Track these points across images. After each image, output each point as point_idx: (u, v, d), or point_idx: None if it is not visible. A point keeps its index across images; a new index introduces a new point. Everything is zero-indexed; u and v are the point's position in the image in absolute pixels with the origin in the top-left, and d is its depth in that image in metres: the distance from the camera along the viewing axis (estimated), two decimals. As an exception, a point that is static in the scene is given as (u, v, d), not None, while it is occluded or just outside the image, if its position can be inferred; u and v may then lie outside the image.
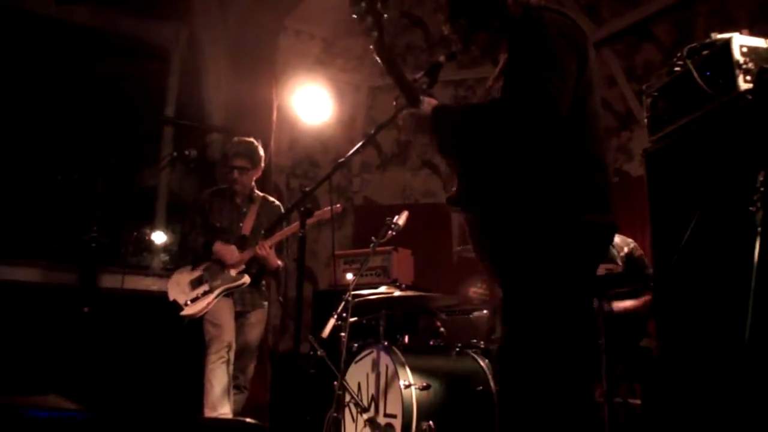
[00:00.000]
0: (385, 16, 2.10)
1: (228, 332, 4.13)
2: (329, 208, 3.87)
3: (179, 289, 4.23)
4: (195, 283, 4.22)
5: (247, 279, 4.21)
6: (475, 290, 4.42)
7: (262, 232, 4.26)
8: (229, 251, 4.21)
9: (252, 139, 4.45)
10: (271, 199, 4.59)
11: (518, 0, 2.28)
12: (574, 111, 2.09)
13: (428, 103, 2.22)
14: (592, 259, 2.24)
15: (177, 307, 4.16)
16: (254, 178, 4.45)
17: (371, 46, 2.11)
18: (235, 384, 4.22)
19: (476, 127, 2.10)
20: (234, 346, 4.14)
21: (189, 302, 4.15)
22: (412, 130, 2.27)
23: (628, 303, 3.99)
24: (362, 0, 2.07)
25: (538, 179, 2.11)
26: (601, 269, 3.50)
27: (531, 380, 2.06)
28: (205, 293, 4.17)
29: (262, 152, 4.43)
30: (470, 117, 2.13)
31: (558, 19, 2.17)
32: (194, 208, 4.48)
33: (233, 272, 4.21)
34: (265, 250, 4.18)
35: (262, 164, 4.45)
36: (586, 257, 2.18)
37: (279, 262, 4.30)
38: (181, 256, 4.41)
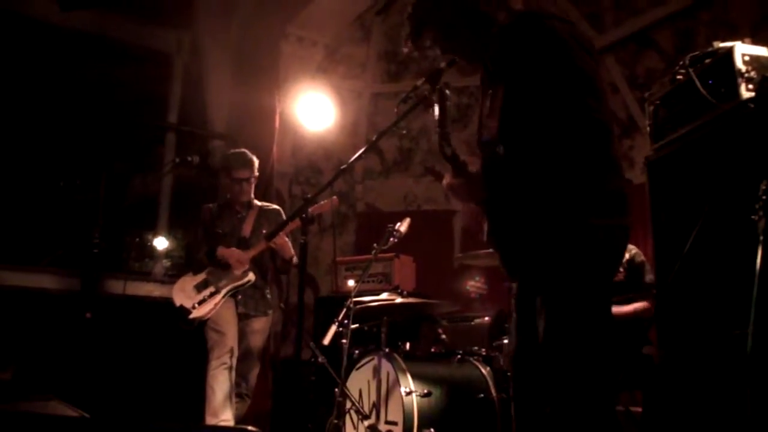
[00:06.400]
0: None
1: (230, 338, 4.13)
2: (327, 201, 3.99)
3: (184, 294, 4.23)
4: (200, 287, 4.24)
5: (252, 276, 4.23)
6: (473, 284, 4.40)
7: (263, 232, 4.28)
8: (232, 252, 4.25)
9: (244, 150, 4.53)
10: (267, 204, 4.63)
11: (499, 3, 2.21)
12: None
13: (471, 163, 2.22)
14: (610, 262, 2.19)
15: (182, 313, 4.15)
16: (254, 184, 4.51)
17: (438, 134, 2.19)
18: (238, 392, 4.20)
19: (538, 170, 2.06)
20: (236, 352, 4.14)
21: (196, 305, 4.16)
22: (466, 196, 2.28)
23: (628, 307, 3.99)
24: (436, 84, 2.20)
25: (562, 184, 2.06)
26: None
27: (558, 384, 2.02)
28: (212, 294, 4.18)
29: (256, 159, 4.50)
30: (532, 163, 2.07)
31: (568, 28, 2.10)
32: (197, 221, 4.55)
33: (238, 272, 4.22)
34: (282, 239, 4.20)
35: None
36: (603, 260, 2.13)
37: (293, 254, 4.30)
38: (188, 267, 4.45)
